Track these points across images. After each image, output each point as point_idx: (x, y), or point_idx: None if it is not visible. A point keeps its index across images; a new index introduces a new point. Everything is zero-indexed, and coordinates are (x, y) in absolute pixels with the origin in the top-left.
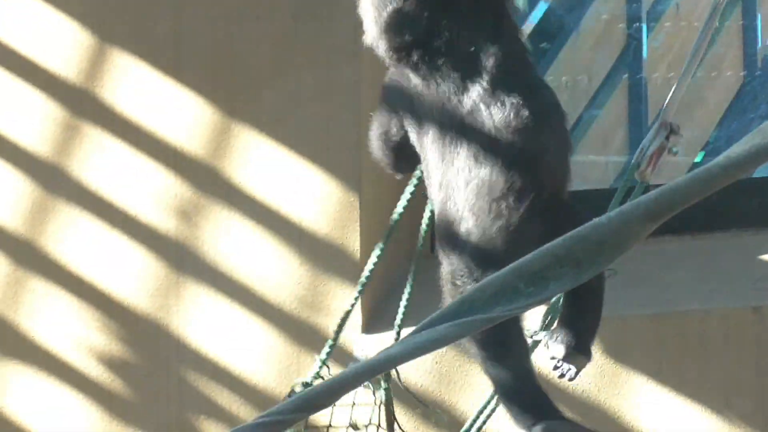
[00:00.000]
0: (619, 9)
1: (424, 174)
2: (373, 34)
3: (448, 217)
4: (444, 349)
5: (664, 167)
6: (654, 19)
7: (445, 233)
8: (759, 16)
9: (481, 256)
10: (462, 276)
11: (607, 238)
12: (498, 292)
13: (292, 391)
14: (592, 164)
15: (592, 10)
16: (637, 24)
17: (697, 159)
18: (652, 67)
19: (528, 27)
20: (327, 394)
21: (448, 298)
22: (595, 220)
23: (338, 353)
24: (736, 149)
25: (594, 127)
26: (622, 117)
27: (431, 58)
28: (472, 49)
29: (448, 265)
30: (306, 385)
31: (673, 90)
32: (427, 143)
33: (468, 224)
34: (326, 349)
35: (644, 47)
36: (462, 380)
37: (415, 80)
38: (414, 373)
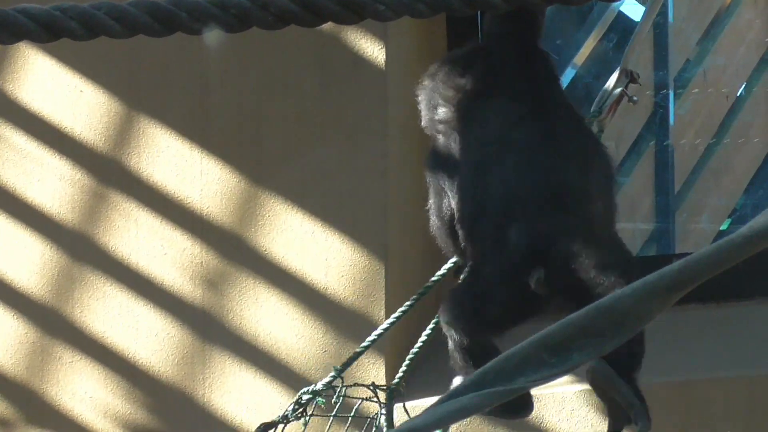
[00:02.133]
0: (647, 76)
1: (451, 201)
2: (422, 110)
3: (492, 222)
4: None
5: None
6: (681, 87)
7: (488, 236)
8: None
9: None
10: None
11: (630, 309)
12: (522, 363)
13: (299, 398)
14: (620, 231)
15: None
16: (664, 91)
17: (723, 227)
18: (679, 134)
19: None
20: None
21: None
22: (619, 291)
23: (359, 421)
24: (761, 219)
25: (621, 193)
26: (649, 184)
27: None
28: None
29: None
30: (314, 392)
31: (633, 35)
32: (460, 183)
33: (518, 228)
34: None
35: (671, 114)
36: None
37: (453, 124)
38: None
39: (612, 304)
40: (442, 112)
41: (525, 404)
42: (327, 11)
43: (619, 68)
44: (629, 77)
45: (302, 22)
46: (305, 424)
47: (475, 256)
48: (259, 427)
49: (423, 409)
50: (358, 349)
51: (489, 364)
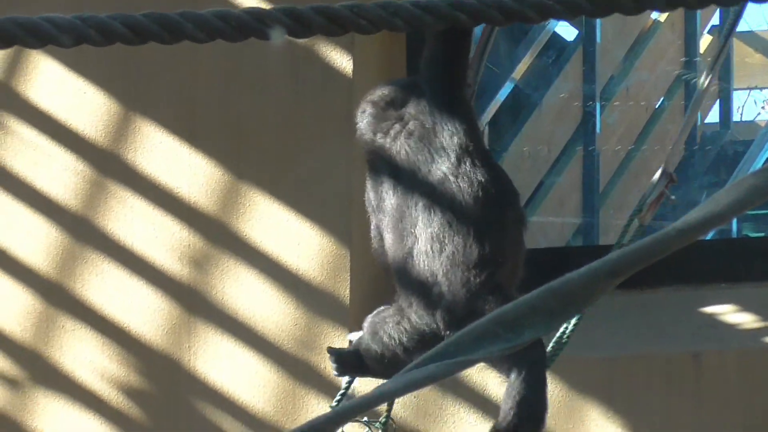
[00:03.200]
0: (577, 88)
1: (382, 231)
2: (360, 130)
3: (419, 276)
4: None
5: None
6: (606, 99)
7: (415, 289)
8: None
9: (449, 318)
10: (421, 331)
11: (576, 292)
12: (480, 337)
13: None
14: (550, 225)
15: (553, 89)
16: (592, 102)
17: None
18: (605, 140)
19: (497, 103)
20: (332, 422)
21: (393, 332)
22: (567, 275)
23: (327, 388)
24: (693, 215)
25: (553, 191)
26: (577, 183)
27: (406, 136)
28: (439, 129)
29: (410, 312)
30: None
31: (673, 144)
32: (390, 207)
33: (441, 288)
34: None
35: (598, 123)
36: (437, 412)
37: (389, 153)
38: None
39: (561, 287)
40: (380, 138)
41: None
42: (316, 24)
43: (661, 169)
44: (669, 179)
45: (294, 34)
46: None
47: (403, 295)
48: None
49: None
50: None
51: (451, 338)
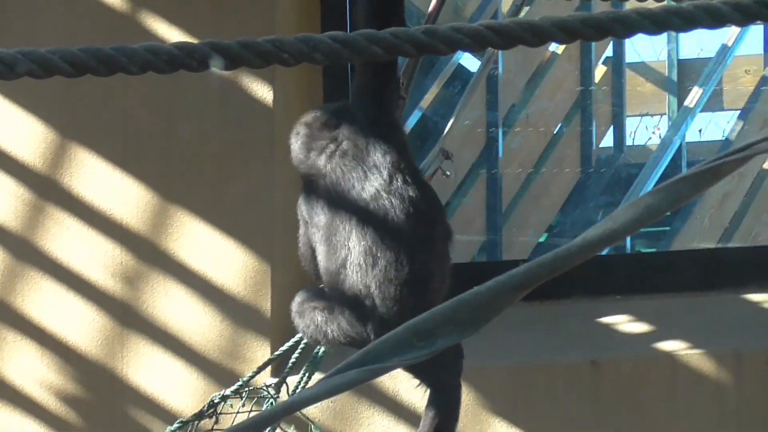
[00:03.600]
0: (481, 116)
1: (314, 243)
2: (295, 151)
3: (352, 287)
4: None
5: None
6: (508, 125)
7: (347, 299)
8: (594, 123)
9: (380, 331)
10: (349, 336)
11: (485, 303)
12: (396, 346)
13: (211, 402)
14: (457, 242)
15: (459, 117)
16: (495, 129)
17: (542, 240)
18: (507, 164)
19: (407, 128)
20: (255, 427)
21: (320, 323)
22: (476, 288)
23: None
24: (592, 232)
25: (459, 211)
26: (481, 204)
27: (340, 155)
28: (372, 148)
29: (341, 317)
30: (223, 397)
31: (449, 124)
32: (323, 222)
33: (375, 301)
34: (249, 373)
35: (500, 148)
36: (353, 416)
37: (323, 170)
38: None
39: (470, 299)
40: (314, 156)
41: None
42: (242, 58)
43: (437, 147)
44: (445, 155)
45: (219, 66)
46: (216, 421)
47: (333, 295)
48: (176, 423)
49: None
50: (268, 359)
51: (369, 346)
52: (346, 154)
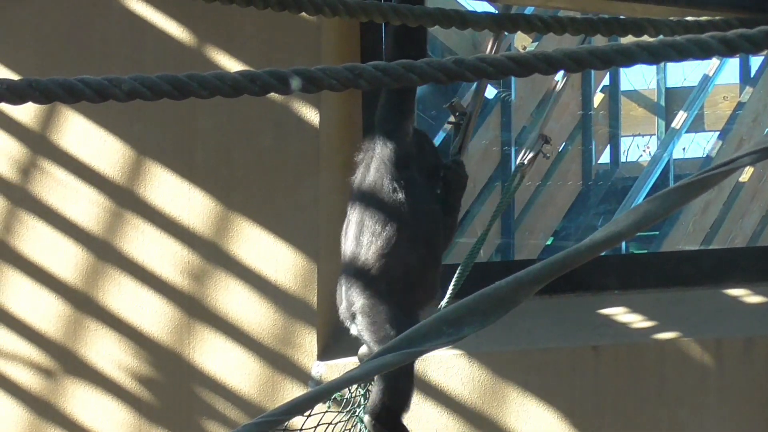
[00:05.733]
0: (496, 136)
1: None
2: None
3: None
4: None
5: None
6: (520, 144)
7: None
8: (593, 143)
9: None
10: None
11: (505, 296)
12: (427, 333)
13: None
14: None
15: (477, 137)
16: (508, 147)
17: (549, 242)
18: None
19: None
20: (308, 402)
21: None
22: (497, 283)
23: (299, 374)
24: (598, 234)
25: (477, 218)
26: None
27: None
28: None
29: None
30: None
31: (546, 111)
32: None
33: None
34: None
35: (513, 163)
36: None
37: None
38: None
39: (492, 292)
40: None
41: None
42: (299, 86)
43: (536, 134)
44: (544, 140)
45: (277, 90)
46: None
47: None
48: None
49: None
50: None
51: (404, 334)
52: (369, 166)
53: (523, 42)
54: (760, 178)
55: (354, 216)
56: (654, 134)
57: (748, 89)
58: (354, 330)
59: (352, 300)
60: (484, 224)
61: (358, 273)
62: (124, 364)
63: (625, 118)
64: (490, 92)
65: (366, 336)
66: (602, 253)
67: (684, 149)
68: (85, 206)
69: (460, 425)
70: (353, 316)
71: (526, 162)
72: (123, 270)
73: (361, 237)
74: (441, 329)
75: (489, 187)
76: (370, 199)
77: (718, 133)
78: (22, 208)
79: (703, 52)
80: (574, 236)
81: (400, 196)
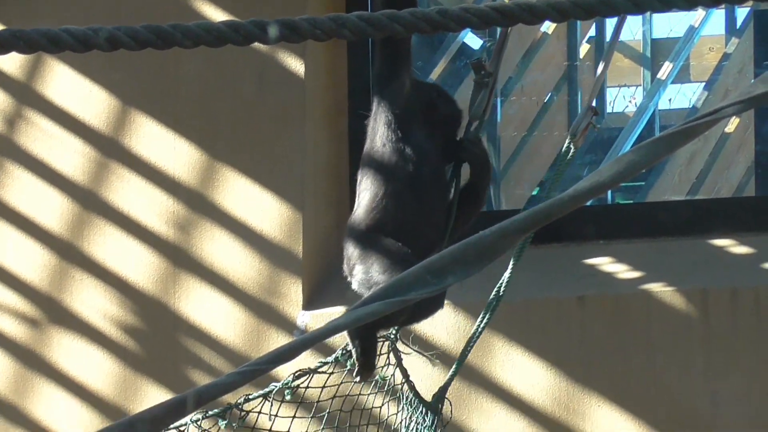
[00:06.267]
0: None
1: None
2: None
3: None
4: None
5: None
6: (506, 94)
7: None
8: (579, 93)
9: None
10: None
11: (489, 245)
12: (413, 282)
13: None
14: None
15: (463, 88)
16: (494, 97)
17: (534, 192)
18: (504, 128)
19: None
20: (292, 351)
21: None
22: (481, 232)
23: (284, 324)
24: (582, 184)
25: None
26: None
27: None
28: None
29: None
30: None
31: (594, 83)
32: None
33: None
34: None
35: (499, 114)
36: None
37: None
38: None
39: (477, 241)
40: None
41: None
42: (281, 35)
43: (586, 106)
44: (593, 111)
45: (260, 40)
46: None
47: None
48: (293, 374)
49: (335, 315)
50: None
51: (389, 282)
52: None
53: None
54: (745, 128)
55: (359, 177)
56: (640, 85)
57: (734, 40)
58: (354, 285)
59: (349, 256)
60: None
61: (355, 230)
62: (109, 313)
63: (610, 69)
64: (476, 42)
65: (363, 291)
66: (588, 203)
67: (670, 100)
68: (70, 156)
69: (445, 375)
70: (351, 271)
71: (578, 134)
72: (108, 220)
73: (359, 196)
74: (425, 278)
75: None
76: (369, 158)
77: (703, 84)
78: (8, 158)
79: (687, 2)
80: (559, 187)
81: (397, 152)
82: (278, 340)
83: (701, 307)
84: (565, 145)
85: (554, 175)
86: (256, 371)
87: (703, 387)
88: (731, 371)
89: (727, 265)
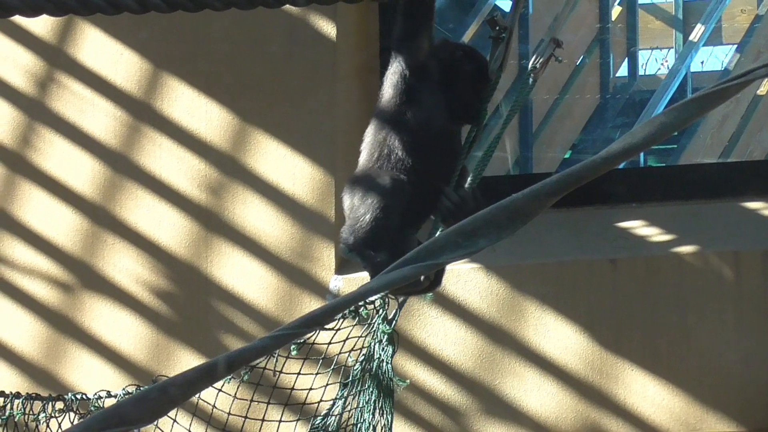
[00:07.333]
0: (514, 49)
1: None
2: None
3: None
4: None
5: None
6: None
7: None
8: (611, 55)
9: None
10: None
11: (521, 208)
12: (444, 245)
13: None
14: (495, 158)
15: None
16: (526, 60)
17: (567, 156)
18: (536, 90)
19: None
20: (324, 315)
21: None
22: (513, 195)
23: (317, 288)
24: (614, 146)
25: (493, 130)
26: (515, 125)
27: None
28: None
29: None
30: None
31: (558, 12)
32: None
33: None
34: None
35: (530, 77)
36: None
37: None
38: None
39: (508, 204)
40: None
41: (434, 282)
42: None
43: (549, 38)
44: (556, 44)
45: (294, 3)
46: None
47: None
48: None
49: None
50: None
51: (421, 246)
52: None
53: None
54: None
55: (366, 131)
56: (672, 47)
57: (766, 2)
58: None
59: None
60: (504, 137)
61: (353, 177)
62: (141, 278)
63: (642, 31)
64: (507, 4)
65: (348, 226)
66: (620, 166)
67: (702, 62)
68: (101, 119)
69: (478, 338)
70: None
71: (538, 65)
72: (140, 184)
73: (365, 150)
74: (457, 242)
75: (507, 100)
76: (379, 113)
77: (735, 46)
78: (40, 121)
79: None
80: (591, 149)
81: (404, 108)
82: (310, 304)
83: (733, 270)
84: (525, 76)
85: (511, 108)
86: (289, 335)
87: (736, 348)
88: (763, 332)
89: (759, 228)
